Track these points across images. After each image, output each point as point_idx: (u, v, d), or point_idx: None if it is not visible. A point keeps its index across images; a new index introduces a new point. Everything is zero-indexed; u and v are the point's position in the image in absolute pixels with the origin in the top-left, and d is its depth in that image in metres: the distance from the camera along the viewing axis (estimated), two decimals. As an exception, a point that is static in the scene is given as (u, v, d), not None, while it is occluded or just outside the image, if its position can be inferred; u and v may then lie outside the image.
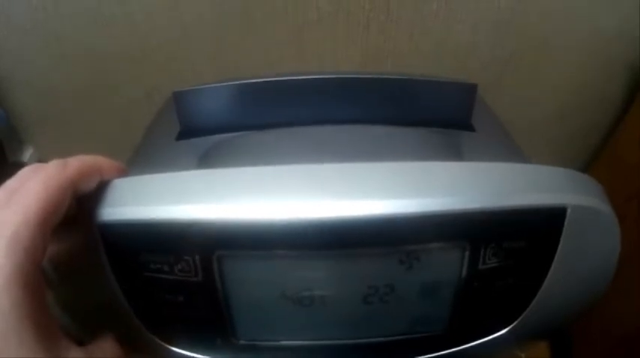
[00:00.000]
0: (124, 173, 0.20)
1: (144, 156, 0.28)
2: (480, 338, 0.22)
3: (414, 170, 0.18)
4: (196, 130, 0.28)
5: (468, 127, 0.30)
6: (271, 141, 0.26)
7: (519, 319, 0.22)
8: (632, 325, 0.50)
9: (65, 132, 0.50)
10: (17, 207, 0.16)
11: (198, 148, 0.26)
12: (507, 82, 0.48)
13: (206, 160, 0.25)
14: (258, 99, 0.28)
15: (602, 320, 0.52)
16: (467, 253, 0.18)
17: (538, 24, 0.44)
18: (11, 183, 0.17)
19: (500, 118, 0.34)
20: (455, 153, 0.25)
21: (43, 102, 0.47)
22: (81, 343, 0.20)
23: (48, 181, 0.17)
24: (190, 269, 0.18)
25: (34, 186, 0.17)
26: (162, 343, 0.21)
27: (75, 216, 0.18)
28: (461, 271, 0.19)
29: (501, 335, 0.22)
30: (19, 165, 0.48)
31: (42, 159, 0.51)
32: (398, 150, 0.25)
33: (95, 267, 0.19)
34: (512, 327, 0.22)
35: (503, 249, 0.19)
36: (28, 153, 0.50)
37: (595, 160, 0.57)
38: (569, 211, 0.19)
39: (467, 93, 0.29)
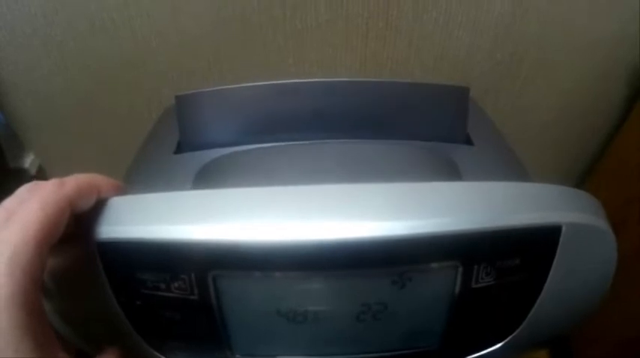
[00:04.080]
0: (121, 191, 0.20)
1: (142, 170, 0.28)
2: (473, 353, 0.22)
3: (406, 191, 0.18)
4: (195, 140, 0.28)
5: (466, 140, 0.29)
6: (266, 158, 0.26)
7: (514, 334, 0.22)
8: (632, 328, 0.50)
9: (66, 139, 0.50)
10: (16, 227, 0.16)
11: (195, 163, 0.26)
12: (508, 86, 0.48)
13: (203, 177, 0.25)
14: (261, 104, 0.28)
15: (603, 323, 0.52)
16: (459, 273, 0.19)
17: (538, 28, 0.43)
18: (9, 202, 0.17)
19: (501, 123, 0.34)
20: (452, 170, 0.25)
21: (44, 108, 0.47)
22: (84, 356, 0.21)
23: (45, 200, 0.17)
24: (187, 287, 0.18)
25: (31, 205, 0.17)
26: (161, 356, 0.21)
27: (74, 232, 0.19)
28: (453, 290, 0.19)
29: (495, 349, 0.22)
30: (20, 172, 0.49)
31: (43, 165, 0.52)
32: (394, 168, 0.25)
33: (94, 282, 0.19)
34: (506, 342, 0.22)
35: (496, 268, 0.19)
36: (28, 160, 0.50)
37: (597, 163, 0.57)
38: (563, 229, 0.19)
39: (459, 96, 0.28)
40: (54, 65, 0.44)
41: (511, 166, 0.28)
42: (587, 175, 0.59)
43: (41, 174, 0.51)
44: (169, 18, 0.41)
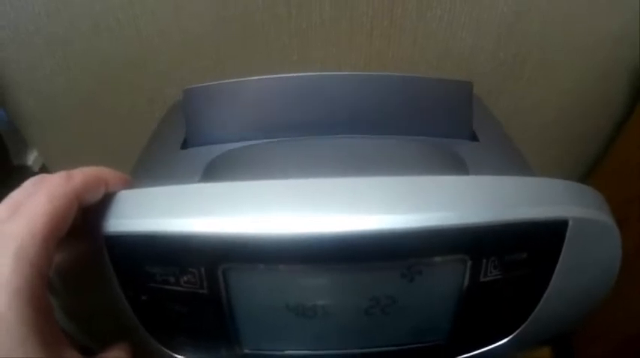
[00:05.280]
0: (128, 184, 0.20)
1: (149, 165, 0.28)
2: (480, 348, 0.22)
3: (415, 184, 0.18)
4: (202, 134, 0.28)
5: (471, 136, 0.29)
6: (275, 153, 0.26)
7: (520, 329, 0.22)
8: (634, 326, 0.50)
9: (69, 136, 0.50)
10: (23, 220, 0.16)
11: (203, 158, 0.26)
12: (511, 87, 0.48)
13: (211, 171, 0.25)
14: (269, 97, 0.28)
15: (605, 321, 0.52)
16: (468, 266, 0.19)
17: (540, 28, 0.44)
18: (16, 195, 0.17)
19: (505, 122, 0.34)
20: (460, 165, 0.25)
21: (46, 107, 0.47)
22: (90, 351, 0.21)
23: (53, 194, 0.17)
24: (196, 281, 0.18)
25: (39, 198, 0.17)
26: (168, 351, 0.21)
27: (80, 226, 0.18)
28: (462, 284, 0.19)
29: (502, 344, 0.22)
30: (23, 169, 0.48)
31: (46, 162, 0.51)
32: (402, 163, 0.25)
33: (101, 276, 0.19)
34: (513, 337, 0.22)
35: (504, 262, 0.19)
36: (32, 157, 0.50)
37: (599, 162, 0.58)
38: (570, 224, 0.19)
39: (462, 91, 0.28)
40: (56, 65, 0.44)
41: (516, 162, 0.28)
42: (588, 174, 0.59)
43: (44, 171, 0.51)
44: (172, 17, 0.41)
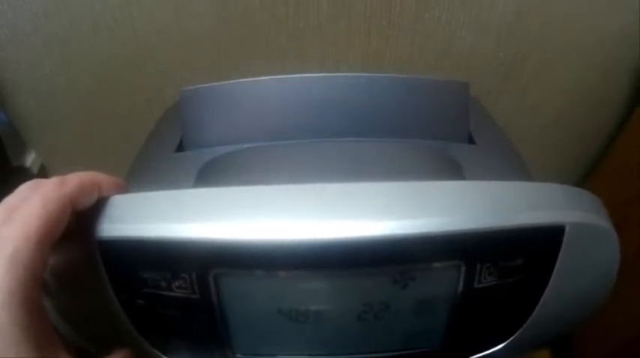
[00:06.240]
0: (122, 189, 0.20)
1: (143, 168, 0.28)
2: (477, 353, 0.22)
3: (409, 190, 0.18)
4: (198, 138, 0.28)
5: (468, 139, 0.29)
6: (268, 157, 0.26)
7: (517, 333, 0.22)
8: (634, 328, 0.50)
9: (68, 137, 0.50)
10: (17, 224, 0.16)
11: (197, 161, 0.26)
12: (511, 87, 0.48)
13: (205, 175, 0.25)
14: (262, 100, 0.28)
15: (604, 324, 0.51)
16: (462, 272, 0.19)
17: (540, 28, 0.43)
18: (10, 199, 0.17)
19: (504, 123, 0.34)
20: (455, 169, 0.25)
21: (45, 107, 0.47)
22: (86, 354, 0.21)
23: (47, 198, 0.17)
24: (188, 286, 0.18)
25: (33, 202, 0.17)
26: (161, 355, 0.21)
27: (75, 230, 0.19)
28: (456, 290, 0.19)
29: (499, 349, 0.22)
30: (21, 170, 0.49)
31: (45, 163, 0.52)
32: (397, 167, 0.24)
33: (95, 280, 0.19)
34: (510, 341, 0.22)
35: (499, 268, 0.19)
36: (30, 158, 0.50)
37: (599, 163, 0.57)
38: (567, 229, 0.19)
39: (458, 92, 0.28)
40: (56, 65, 0.44)
41: (513, 166, 0.28)
42: (588, 175, 0.59)
43: (43, 173, 0.51)
44: (171, 17, 0.41)
